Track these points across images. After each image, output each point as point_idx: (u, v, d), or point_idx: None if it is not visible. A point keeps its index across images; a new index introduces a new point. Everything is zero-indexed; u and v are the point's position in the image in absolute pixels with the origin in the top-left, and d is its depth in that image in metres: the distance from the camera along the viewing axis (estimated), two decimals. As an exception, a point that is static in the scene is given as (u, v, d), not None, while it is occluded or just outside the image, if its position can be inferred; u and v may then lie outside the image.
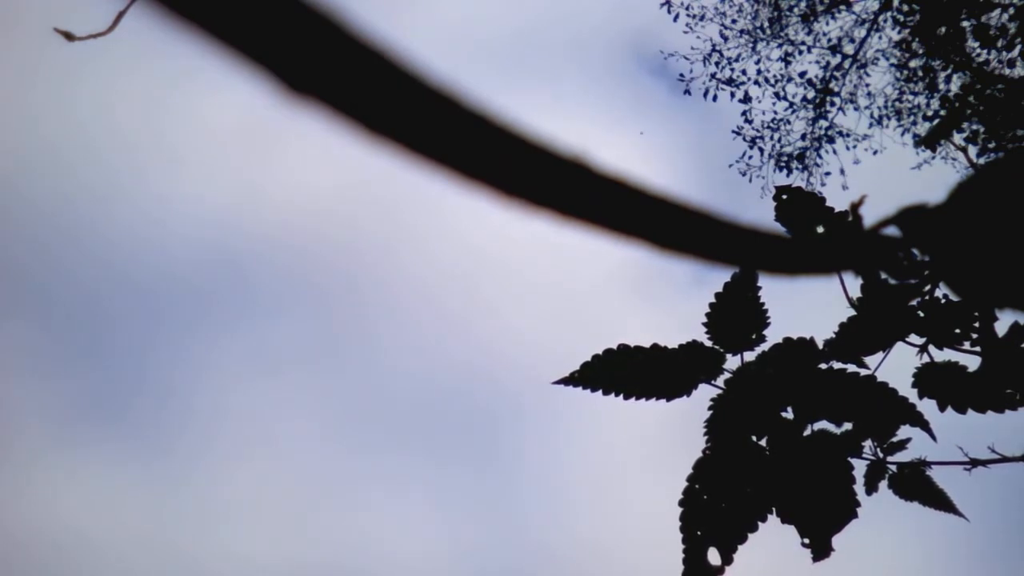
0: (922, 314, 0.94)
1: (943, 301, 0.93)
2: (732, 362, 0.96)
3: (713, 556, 0.85)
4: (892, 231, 0.28)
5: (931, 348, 0.95)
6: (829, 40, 6.82)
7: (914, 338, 0.95)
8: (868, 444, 1.09)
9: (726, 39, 6.90)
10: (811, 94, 6.86)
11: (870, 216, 0.29)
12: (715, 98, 6.93)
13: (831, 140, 6.93)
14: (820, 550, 0.87)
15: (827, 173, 6.96)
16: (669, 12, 6.90)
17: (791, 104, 6.89)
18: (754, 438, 0.91)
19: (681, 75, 6.95)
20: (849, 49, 6.80)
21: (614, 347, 0.96)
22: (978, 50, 5.92)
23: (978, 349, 0.93)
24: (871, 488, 1.09)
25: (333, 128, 0.15)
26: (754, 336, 0.95)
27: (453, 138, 0.16)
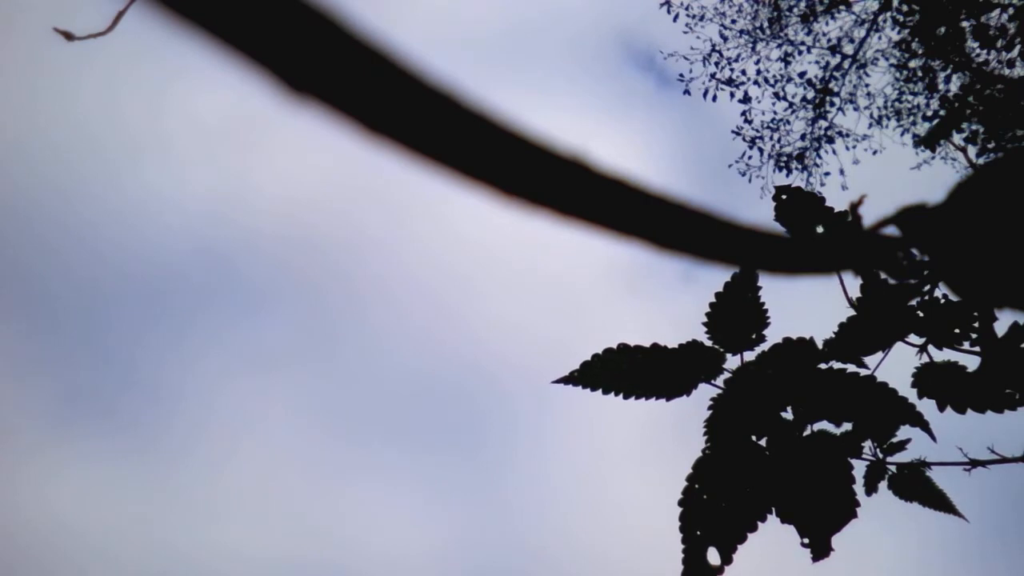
0: (922, 314, 0.94)
1: (943, 301, 0.93)
2: (732, 362, 0.96)
3: (713, 556, 0.85)
4: (892, 231, 0.28)
5: (931, 348, 0.95)
6: (829, 40, 6.81)
7: (914, 338, 0.95)
8: (868, 444, 1.09)
9: (726, 39, 6.90)
10: (811, 94, 6.86)
11: (870, 216, 0.29)
12: (715, 98, 6.93)
13: (831, 140, 6.93)
14: (820, 550, 0.87)
15: (827, 173, 6.96)
16: (669, 12, 6.90)
17: (791, 104, 6.89)
18: (754, 438, 0.91)
19: (681, 75, 6.95)
20: (849, 49, 6.79)
21: (614, 346, 0.96)
22: (978, 50, 5.92)
23: (978, 349, 0.92)
24: (871, 488, 1.09)
25: (333, 127, 0.15)
26: (754, 336, 0.95)
27: (452, 137, 0.16)
